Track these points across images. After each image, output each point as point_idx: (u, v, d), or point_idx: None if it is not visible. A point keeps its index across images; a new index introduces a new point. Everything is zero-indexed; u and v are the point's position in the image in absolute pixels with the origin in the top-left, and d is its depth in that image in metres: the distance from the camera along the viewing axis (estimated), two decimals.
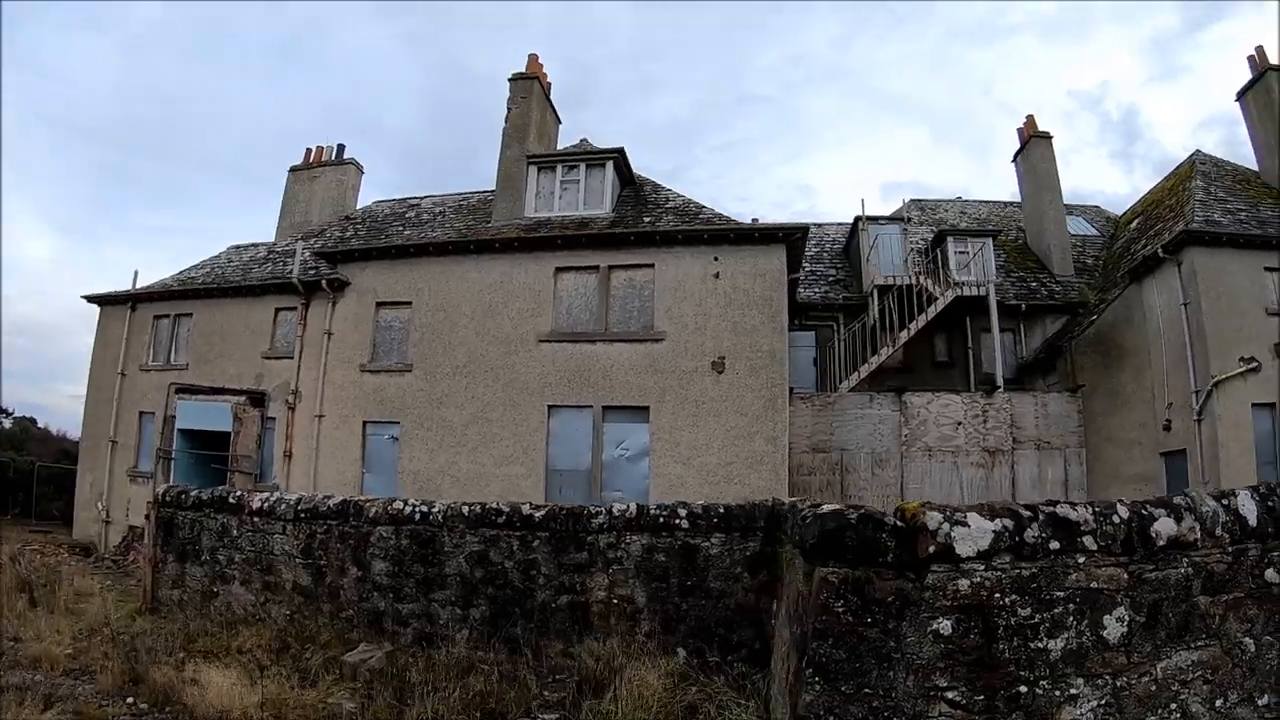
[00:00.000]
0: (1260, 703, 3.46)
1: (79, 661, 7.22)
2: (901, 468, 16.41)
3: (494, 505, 7.62)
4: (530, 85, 17.43)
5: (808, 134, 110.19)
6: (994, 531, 3.27)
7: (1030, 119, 20.61)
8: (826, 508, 3.69)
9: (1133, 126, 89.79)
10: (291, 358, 16.31)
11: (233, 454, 16.37)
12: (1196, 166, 18.42)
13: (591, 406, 14.74)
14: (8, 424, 29.88)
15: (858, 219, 19.52)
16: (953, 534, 3.25)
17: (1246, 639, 3.49)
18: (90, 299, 18.92)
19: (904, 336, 17.10)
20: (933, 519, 3.29)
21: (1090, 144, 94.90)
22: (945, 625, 3.21)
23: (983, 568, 3.26)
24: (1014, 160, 21.13)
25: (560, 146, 18.44)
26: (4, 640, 7.70)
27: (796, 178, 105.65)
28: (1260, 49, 17.54)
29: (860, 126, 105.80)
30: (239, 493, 8.97)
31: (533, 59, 17.54)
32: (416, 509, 7.81)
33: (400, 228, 18.47)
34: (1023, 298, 18.71)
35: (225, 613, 8.51)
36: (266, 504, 8.56)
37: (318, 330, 16.17)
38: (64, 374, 79.45)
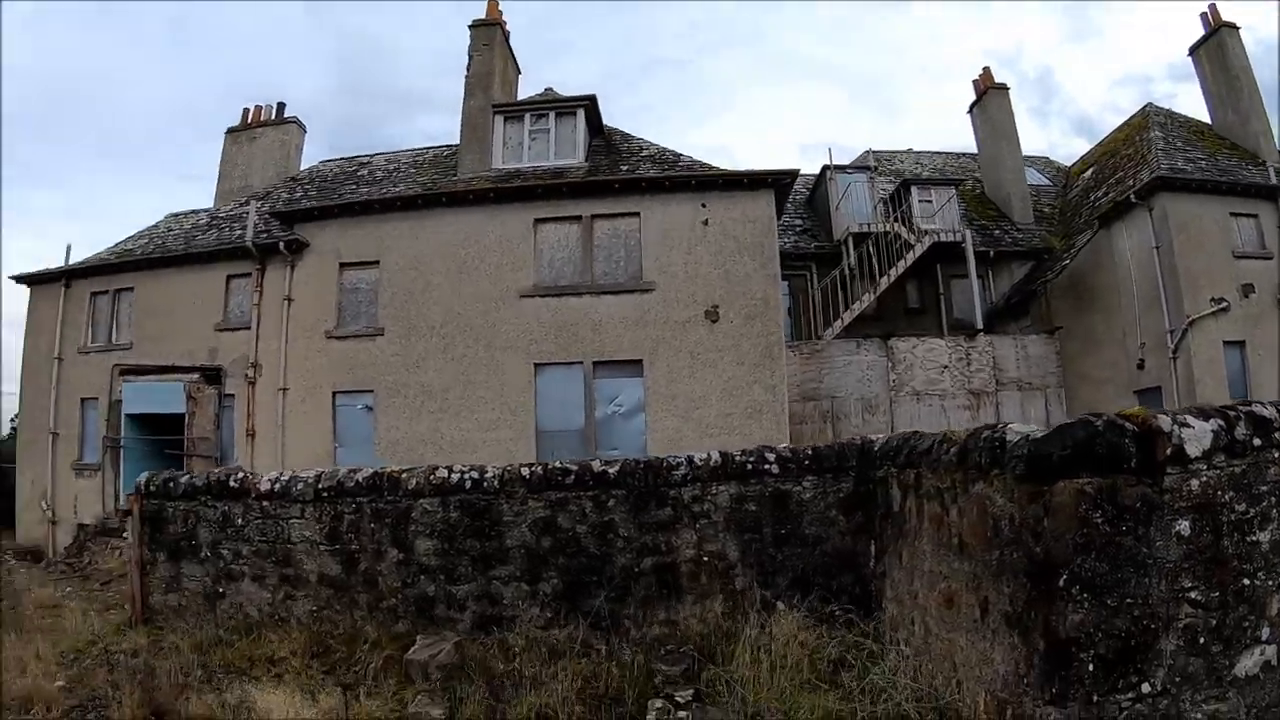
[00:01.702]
0: None
1: (77, 695, 6.02)
2: (891, 412, 16.34)
3: (558, 464, 6.79)
4: (492, 32, 16.52)
5: (720, 97, 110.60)
6: (1212, 431, 3.33)
7: (986, 70, 20.80)
8: (1031, 428, 3.66)
9: (1049, 85, 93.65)
10: (248, 328, 15.06)
11: (189, 437, 15.09)
12: (1151, 118, 18.93)
13: (581, 363, 14.05)
14: None
15: (825, 168, 19.30)
16: (1182, 435, 3.28)
17: None
18: (19, 279, 17.18)
19: (884, 282, 16.97)
20: (1164, 422, 3.31)
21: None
22: (1184, 526, 3.25)
23: (1206, 467, 3.31)
24: (969, 111, 21.30)
25: (521, 97, 17.56)
26: None
27: (711, 141, 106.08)
28: (1213, 6, 18.03)
29: (773, 90, 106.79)
30: (241, 474, 7.65)
31: (492, 4, 16.61)
32: (466, 476, 6.82)
33: (354, 186, 17.31)
34: (989, 245, 18.83)
35: (236, 616, 7.27)
36: (279, 484, 7.32)
37: (276, 297, 14.97)
38: None
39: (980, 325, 17.15)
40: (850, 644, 5.17)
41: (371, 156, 18.97)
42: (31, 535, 16.77)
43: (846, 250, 17.68)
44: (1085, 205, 19.06)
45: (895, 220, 18.10)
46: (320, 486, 7.15)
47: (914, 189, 19.14)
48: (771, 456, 6.47)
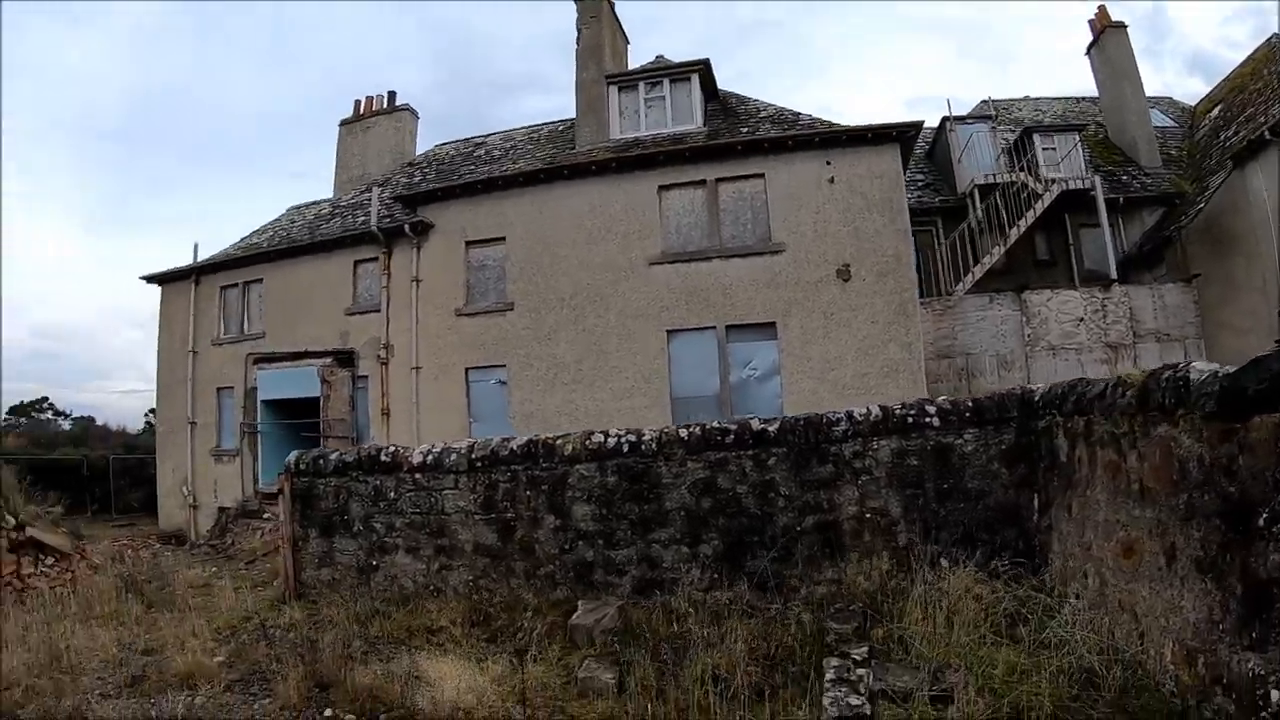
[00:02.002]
0: None
1: (238, 669, 6.04)
2: (1027, 368, 15.68)
3: (716, 424, 6.63)
4: (599, 4, 16.33)
5: (819, 59, 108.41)
6: None
7: (1102, 9, 19.72)
8: (1216, 365, 3.50)
9: (1159, 25, 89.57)
10: (378, 311, 15.28)
11: (324, 419, 15.36)
12: (1278, 49, 17.72)
13: (714, 327, 13.82)
14: (67, 425, 29.25)
15: (945, 119, 18.63)
16: None
17: None
18: (150, 279, 17.80)
19: (1014, 234, 16.26)
20: None
21: None
22: None
23: None
24: (1087, 53, 20.27)
25: (631, 67, 17.36)
26: (134, 656, 6.50)
27: (813, 103, 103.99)
28: None
29: (873, 48, 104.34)
30: (393, 448, 7.64)
31: None
32: (623, 440, 6.70)
33: (472, 167, 17.38)
34: (1117, 191, 17.90)
35: (390, 589, 7.31)
36: (431, 457, 7.31)
37: (404, 279, 15.13)
38: (105, 372, 77.92)
39: (1114, 275, 16.35)
40: (1023, 598, 4.98)
41: (486, 137, 19.03)
42: (173, 520, 17.39)
43: (972, 203, 17.03)
44: (1215, 145, 18.02)
45: (1020, 170, 17.36)
46: (474, 457, 7.09)
47: (1036, 136, 18.31)
48: (932, 409, 6.25)
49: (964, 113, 19.62)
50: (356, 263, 15.75)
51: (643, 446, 6.58)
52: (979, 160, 18.02)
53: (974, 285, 16.09)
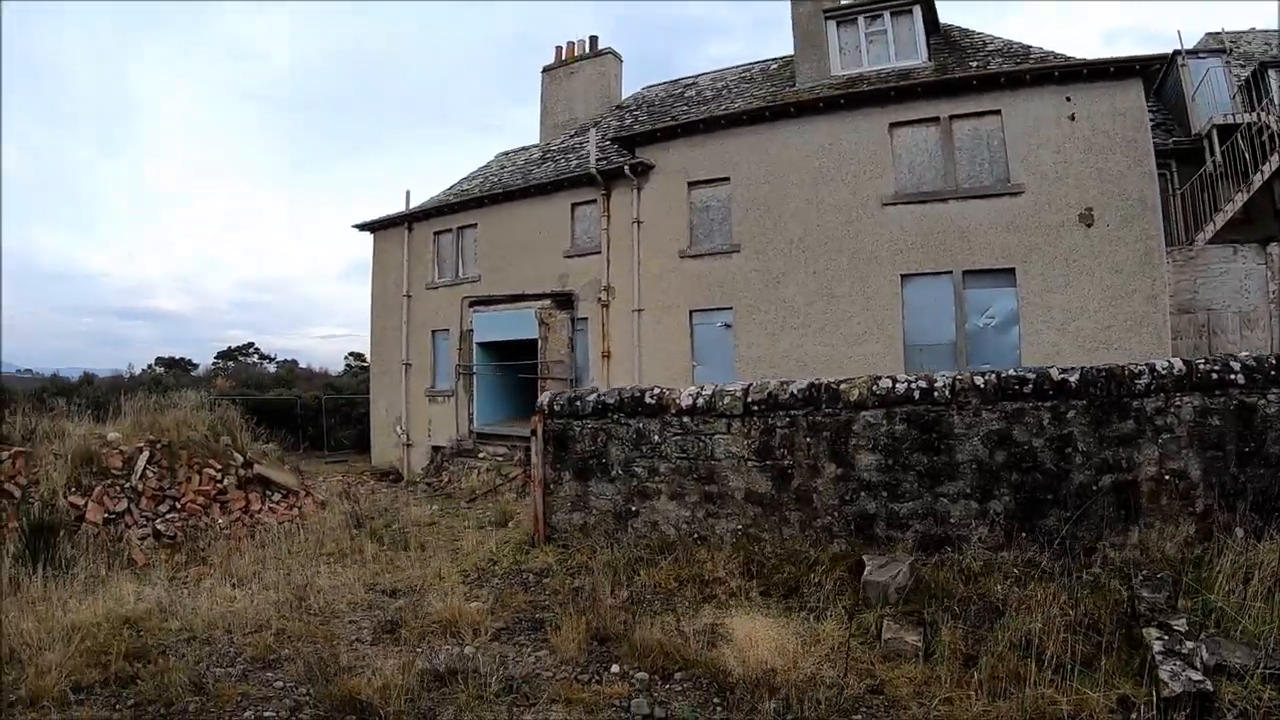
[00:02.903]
0: None
1: (501, 617, 5.79)
2: (1271, 328, 14.71)
3: (1012, 373, 6.31)
4: None
5: None
6: None
7: None
8: None
9: None
10: (597, 253, 15.45)
11: (542, 361, 15.73)
12: None
13: (950, 272, 13.40)
14: (272, 368, 31.36)
15: (1175, 53, 17.35)
16: None
17: None
18: (362, 226, 18.48)
19: (1258, 179, 15.01)
20: None
21: None
22: None
23: None
24: None
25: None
26: (383, 598, 6.47)
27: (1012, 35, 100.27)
28: None
29: None
30: (657, 390, 7.55)
31: None
32: (914, 385, 6.44)
33: (685, 108, 17.28)
34: None
35: (649, 535, 7.20)
36: (702, 399, 7.17)
37: (624, 220, 15.22)
38: (307, 319, 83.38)
39: None
40: None
41: (696, 78, 18.84)
42: (386, 458, 18.20)
43: (1210, 145, 15.88)
44: None
45: (1263, 109, 16.07)
46: (750, 400, 6.96)
47: (1271, 72, 16.89)
48: (1236, 365, 5.89)
49: (1189, 46, 18.25)
50: (573, 205, 15.92)
51: (935, 393, 6.35)
52: (1215, 98, 16.76)
53: (1213, 236, 15.12)
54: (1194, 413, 5.84)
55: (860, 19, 15.28)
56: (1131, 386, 5.97)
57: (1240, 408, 5.78)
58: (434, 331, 17.48)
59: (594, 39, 19.25)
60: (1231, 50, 18.32)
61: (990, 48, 15.04)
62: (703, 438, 7.15)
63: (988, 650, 4.47)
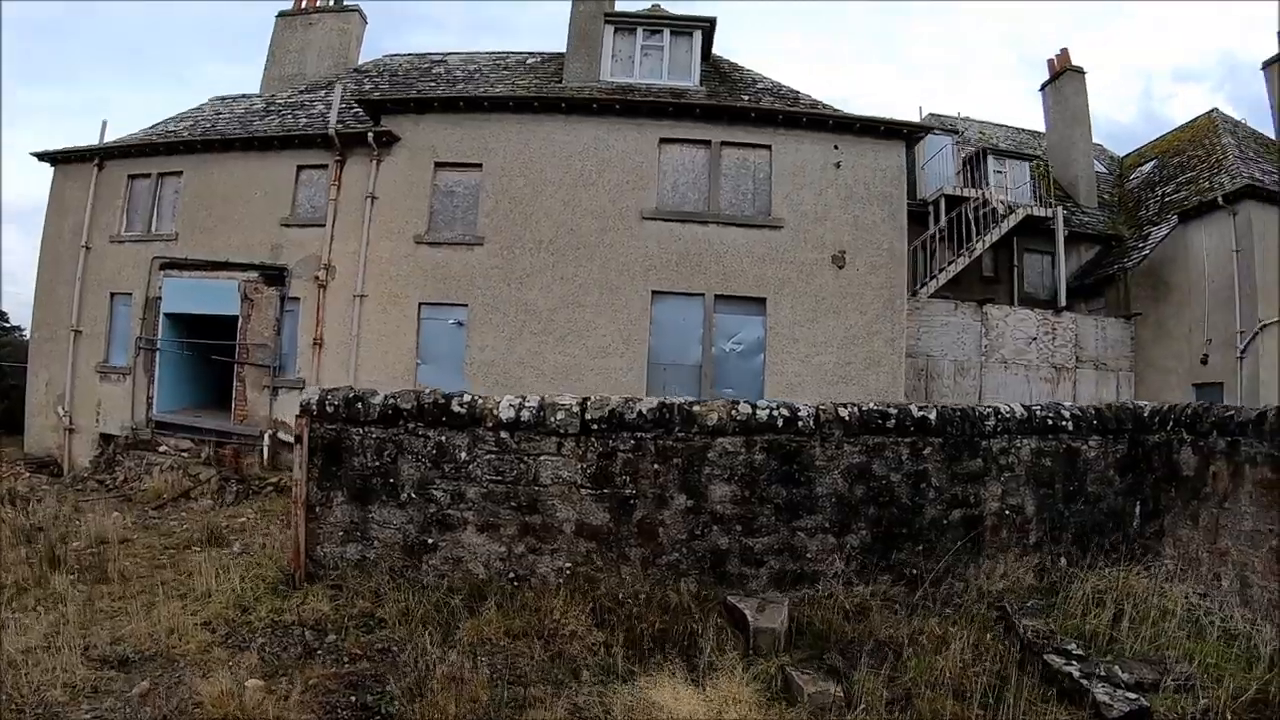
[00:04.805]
0: None
1: (311, 710, 4.04)
2: (980, 377, 15.97)
3: (874, 406, 6.15)
4: None
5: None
6: None
7: (1064, 52, 20.44)
8: None
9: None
10: (321, 225, 13.39)
11: (241, 343, 13.36)
12: (1220, 124, 19.08)
13: (703, 295, 13.01)
14: None
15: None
16: None
17: None
18: (43, 156, 14.92)
19: (979, 247, 16.49)
20: None
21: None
22: None
23: None
24: (1042, 90, 20.97)
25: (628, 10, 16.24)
26: (106, 673, 4.32)
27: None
28: None
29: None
30: (468, 397, 5.99)
31: None
32: (776, 414, 5.90)
33: (431, 84, 15.66)
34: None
35: (451, 574, 5.79)
36: (526, 412, 5.86)
37: (357, 194, 13.33)
38: None
39: (1063, 303, 17.00)
40: (1173, 596, 5.36)
41: (445, 55, 17.23)
42: (43, 443, 14.72)
43: (936, 212, 17.08)
44: (1151, 198, 19.06)
45: (978, 187, 17.65)
46: (588, 417, 5.87)
47: (990, 158, 18.72)
48: (1066, 414, 6.50)
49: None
50: (299, 168, 13.74)
51: (799, 423, 5.96)
52: (943, 171, 18.17)
53: (934, 291, 16.16)
54: (1031, 454, 6.31)
55: (640, 30, 14.76)
56: (982, 427, 6.23)
57: (1068, 451, 6.38)
58: (114, 294, 14.28)
59: None
60: (962, 132, 20.08)
61: (760, 85, 15.09)
62: (526, 458, 5.83)
63: (905, 692, 4.32)
